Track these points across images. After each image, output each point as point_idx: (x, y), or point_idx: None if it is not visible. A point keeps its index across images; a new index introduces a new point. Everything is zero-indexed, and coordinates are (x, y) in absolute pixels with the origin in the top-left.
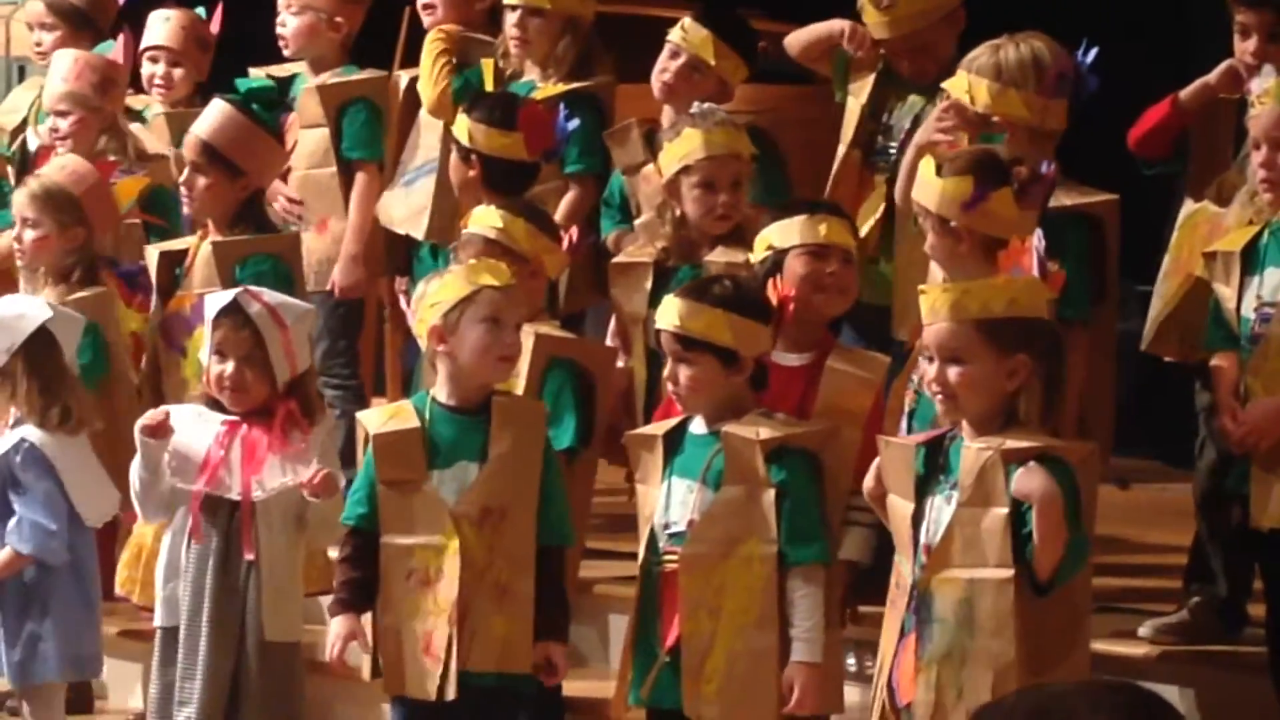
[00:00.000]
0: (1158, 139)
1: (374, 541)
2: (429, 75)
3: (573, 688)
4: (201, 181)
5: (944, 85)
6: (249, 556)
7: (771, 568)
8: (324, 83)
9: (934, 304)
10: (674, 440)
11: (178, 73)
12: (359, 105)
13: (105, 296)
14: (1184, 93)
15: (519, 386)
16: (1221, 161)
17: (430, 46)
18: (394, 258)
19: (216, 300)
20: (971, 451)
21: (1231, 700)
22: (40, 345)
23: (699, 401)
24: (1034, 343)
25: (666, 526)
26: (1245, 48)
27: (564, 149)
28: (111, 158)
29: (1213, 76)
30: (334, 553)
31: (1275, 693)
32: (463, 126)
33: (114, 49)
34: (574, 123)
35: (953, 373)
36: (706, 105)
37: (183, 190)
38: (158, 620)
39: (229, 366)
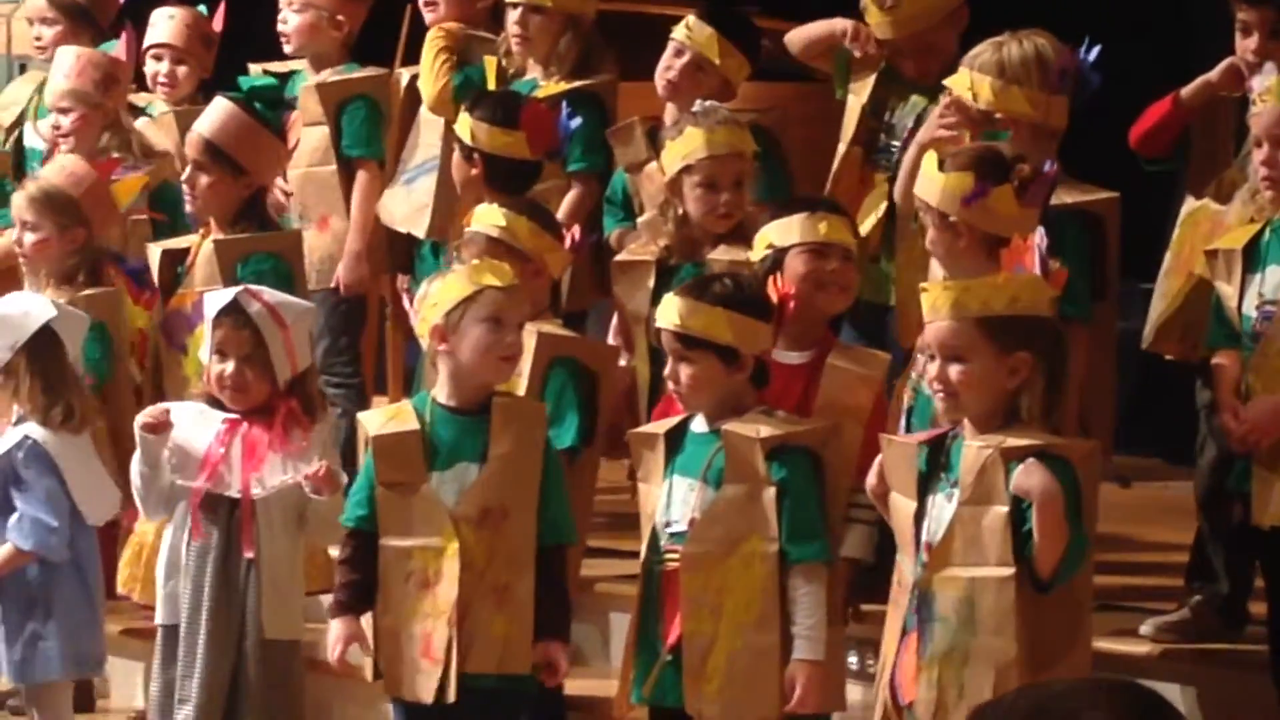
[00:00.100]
0: (1159, 137)
1: (374, 543)
2: (429, 72)
3: (574, 686)
4: (204, 179)
5: (946, 82)
6: (249, 554)
7: (773, 566)
8: (323, 81)
9: (935, 302)
10: (675, 439)
11: (181, 70)
12: (358, 103)
13: (113, 295)
14: (1185, 90)
15: (521, 386)
16: (1222, 159)
17: (430, 44)
18: (396, 256)
19: (216, 300)
20: (972, 450)
21: (1233, 698)
22: (44, 343)
23: (700, 400)
24: (1035, 341)
25: (668, 525)
26: (1246, 45)
27: (566, 147)
28: (115, 155)
29: (1214, 74)
30: (334, 553)
31: (1277, 690)
32: (465, 125)
33: (117, 46)
34: (576, 121)
35: (954, 371)
36: (709, 103)
37: (185, 188)
38: (158, 618)
39: (229, 366)
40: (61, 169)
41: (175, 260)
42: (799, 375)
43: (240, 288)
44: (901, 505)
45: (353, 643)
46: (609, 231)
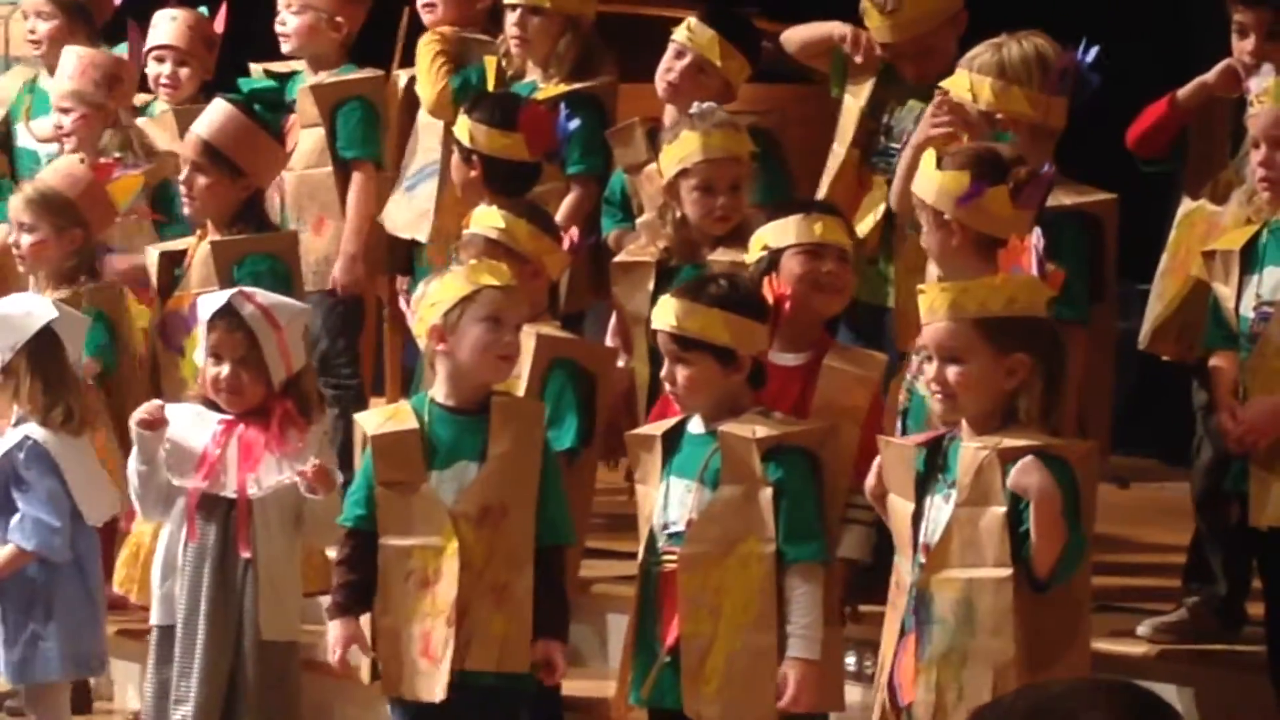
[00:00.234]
0: (1155, 138)
1: (372, 543)
2: (427, 76)
3: (571, 687)
4: (201, 181)
5: (944, 84)
6: (245, 554)
7: (770, 566)
8: (319, 82)
9: (932, 303)
10: (672, 440)
11: (184, 72)
12: (353, 104)
13: (115, 287)
14: (1182, 92)
15: (520, 387)
16: (1219, 160)
17: (426, 48)
18: (395, 257)
19: (210, 302)
20: (969, 451)
21: (1230, 699)
22: (45, 344)
23: (697, 401)
24: (1033, 342)
25: (665, 526)
26: (1243, 47)
27: (565, 149)
28: (115, 154)
29: (1211, 76)
30: (332, 553)
31: (1274, 691)
32: (464, 127)
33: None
34: (575, 123)
35: (951, 372)
36: (707, 105)
37: (182, 189)
38: (154, 619)
39: (224, 369)
40: (58, 170)
41: (173, 262)
42: (795, 377)
43: (233, 290)
44: (899, 507)
45: (352, 643)
46: (607, 232)
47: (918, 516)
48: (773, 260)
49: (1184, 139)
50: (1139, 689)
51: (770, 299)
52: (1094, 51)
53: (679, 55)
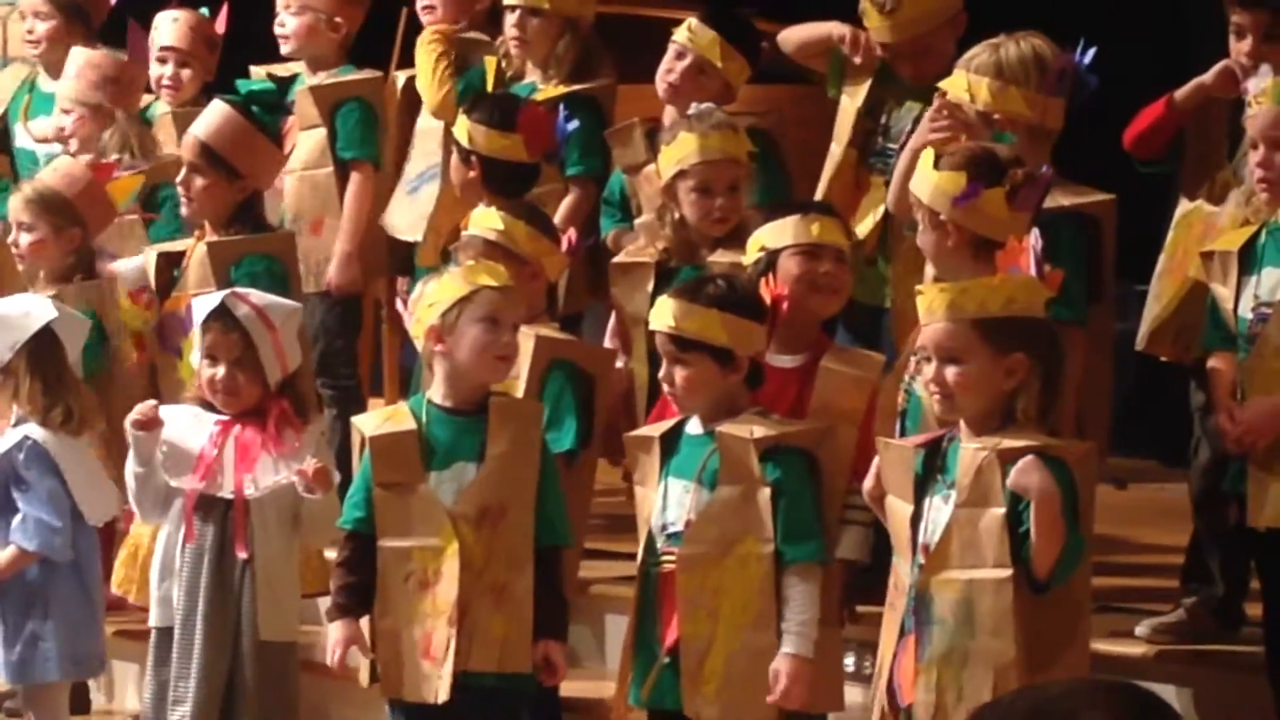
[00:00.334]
0: (1152, 138)
1: (371, 545)
2: (431, 79)
3: (570, 688)
4: (199, 182)
5: (942, 85)
6: (242, 555)
7: (768, 567)
8: (318, 84)
9: (931, 303)
10: (670, 441)
11: (186, 73)
12: (352, 105)
13: (103, 286)
14: (1179, 93)
15: (519, 388)
16: (1216, 161)
17: (428, 49)
18: (395, 258)
19: (204, 304)
20: (968, 452)
21: (1228, 699)
22: (44, 344)
23: (695, 402)
24: (1031, 342)
25: (664, 527)
26: (1240, 48)
27: (564, 151)
28: (114, 156)
29: (1208, 77)
30: (330, 555)
31: (1272, 691)
32: (463, 128)
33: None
34: (573, 124)
35: (950, 373)
36: (705, 106)
37: (180, 190)
38: (152, 620)
39: (220, 370)
40: (57, 170)
41: (172, 263)
42: (793, 379)
43: (227, 291)
44: (898, 508)
45: (352, 645)
46: (606, 232)
47: (916, 518)
48: (770, 261)
49: (1181, 140)
50: (1138, 689)
51: (767, 300)
52: (1091, 52)
53: (679, 56)
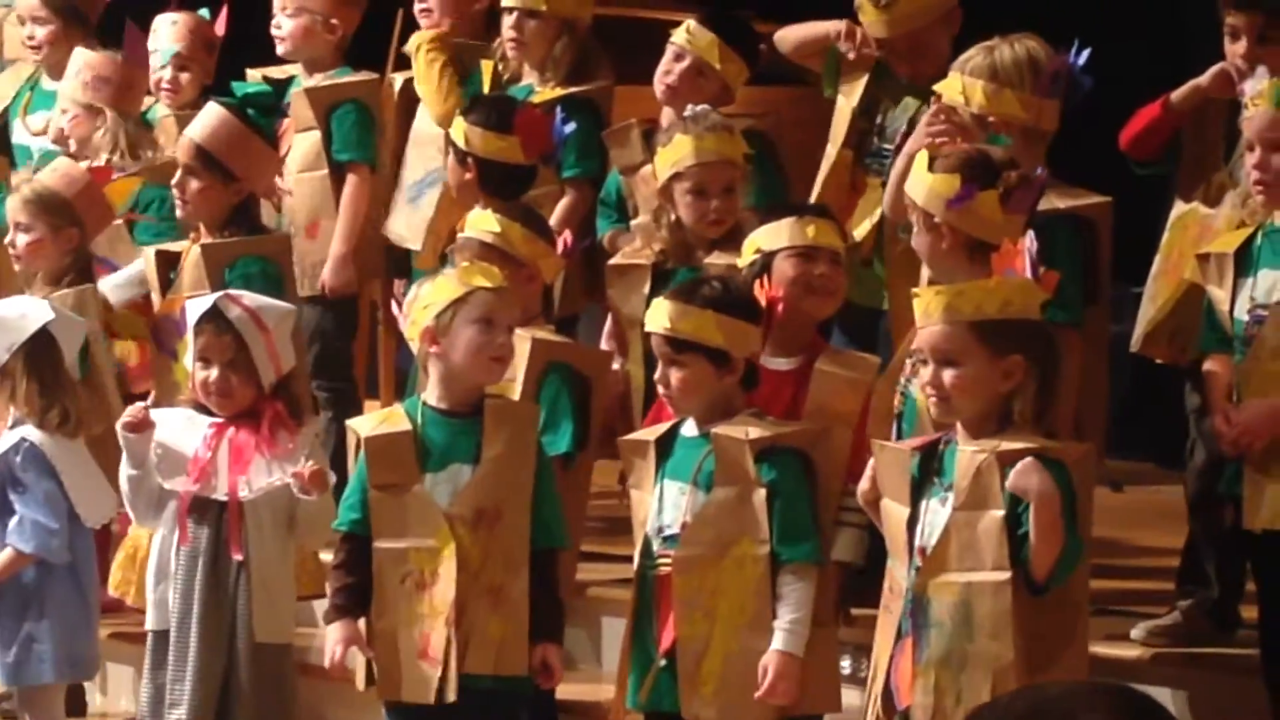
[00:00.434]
0: (1148, 140)
1: (367, 546)
2: (436, 88)
3: (566, 690)
4: (194, 184)
5: (937, 88)
6: (237, 557)
7: (764, 568)
8: (314, 85)
9: (927, 306)
10: (665, 444)
11: (185, 77)
12: (347, 107)
13: (86, 293)
14: (1175, 94)
15: (515, 391)
16: (1213, 163)
17: (428, 58)
18: (392, 261)
19: (197, 306)
20: (966, 454)
21: (1224, 702)
22: (41, 346)
23: (691, 403)
24: (1028, 344)
25: (660, 530)
26: (1235, 50)
27: (561, 153)
28: (103, 156)
29: (1204, 79)
30: (326, 557)
31: (1269, 694)
32: (459, 130)
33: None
34: (570, 126)
35: (947, 375)
36: (701, 108)
37: (175, 192)
38: (148, 623)
39: (213, 373)
40: (55, 170)
41: (170, 264)
42: (788, 381)
43: (220, 293)
44: (894, 511)
45: (352, 645)
46: (602, 233)
47: (912, 520)
48: (765, 263)
49: (1178, 142)
50: (1136, 692)
51: (762, 301)
52: (1086, 54)
53: (678, 58)
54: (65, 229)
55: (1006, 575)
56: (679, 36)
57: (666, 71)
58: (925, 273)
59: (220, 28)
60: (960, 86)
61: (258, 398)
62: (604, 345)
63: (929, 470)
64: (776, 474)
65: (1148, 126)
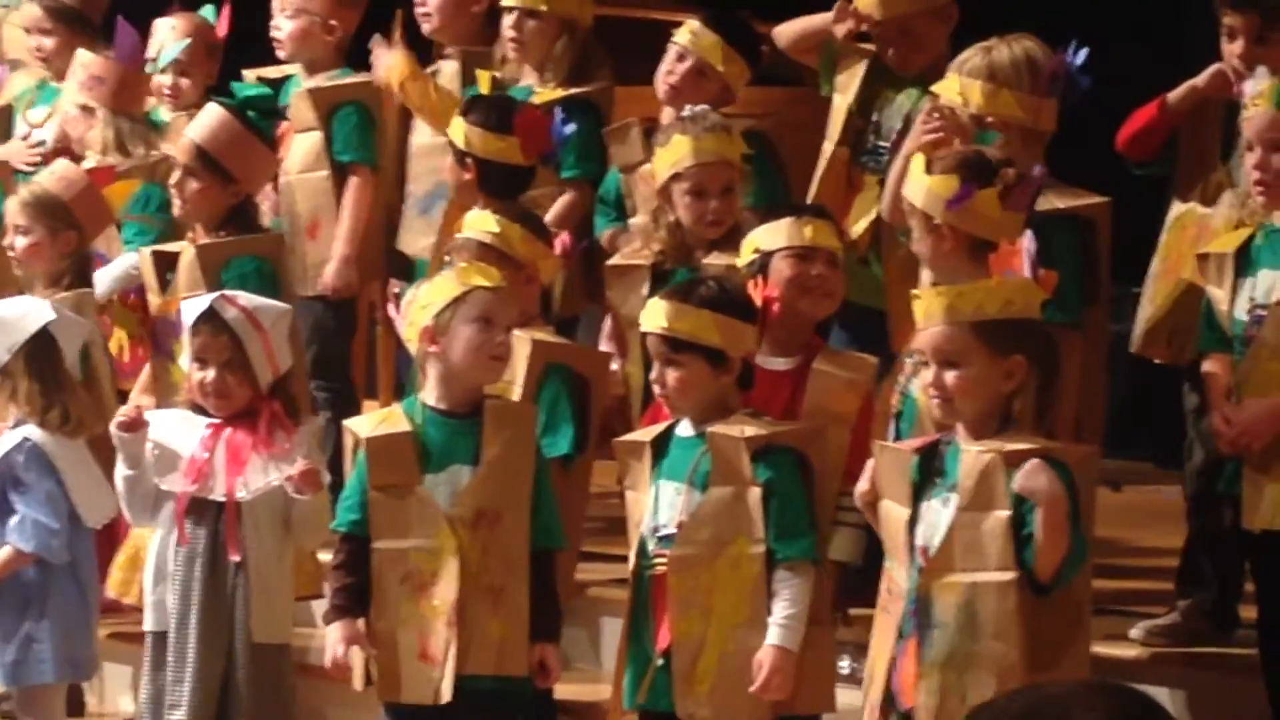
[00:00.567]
0: (1145, 141)
1: (366, 547)
2: (434, 102)
3: (565, 690)
4: (193, 185)
5: (934, 89)
6: (235, 558)
7: (760, 567)
8: (315, 86)
9: (929, 307)
10: (661, 444)
11: (185, 82)
12: (349, 108)
13: (85, 296)
14: (1172, 95)
15: (515, 393)
16: (1210, 163)
17: (413, 87)
18: (393, 261)
19: (193, 307)
20: (971, 455)
21: (1223, 702)
22: (42, 346)
23: (687, 403)
24: (1029, 344)
25: (656, 530)
26: (1232, 50)
27: (560, 153)
28: (94, 155)
29: (1201, 79)
30: (324, 557)
31: (1268, 694)
32: (459, 130)
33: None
34: (570, 127)
35: (950, 376)
36: (699, 108)
37: (173, 192)
38: (146, 625)
39: (210, 373)
40: (53, 173)
41: (168, 265)
42: (785, 382)
43: (216, 294)
44: (894, 512)
45: (353, 644)
46: (600, 231)
47: (913, 521)
48: (763, 263)
49: (1175, 142)
50: (1135, 692)
51: (757, 301)
52: (1083, 53)
53: (680, 58)
54: (64, 232)
55: (1011, 575)
56: (681, 37)
57: (669, 72)
58: (925, 275)
59: (222, 29)
60: (958, 87)
61: (255, 398)
62: (603, 346)
63: (930, 471)
64: (772, 473)
65: (1144, 127)
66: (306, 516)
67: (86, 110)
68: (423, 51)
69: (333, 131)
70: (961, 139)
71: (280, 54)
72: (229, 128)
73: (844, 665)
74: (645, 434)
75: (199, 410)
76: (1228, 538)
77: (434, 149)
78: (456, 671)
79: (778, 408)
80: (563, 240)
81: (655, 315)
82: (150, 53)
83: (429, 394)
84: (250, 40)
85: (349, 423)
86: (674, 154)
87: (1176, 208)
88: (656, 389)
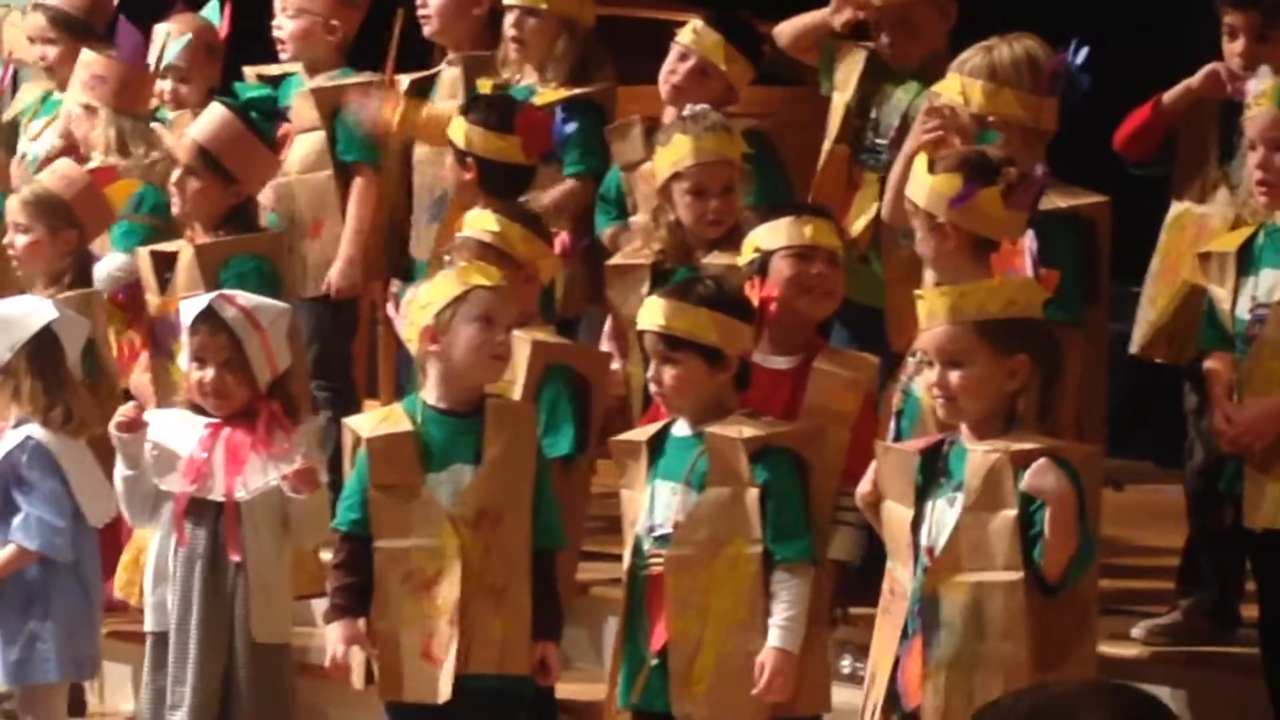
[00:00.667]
0: (1142, 141)
1: (367, 546)
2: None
3: (567, 690)
4: (194, 184)
5: (935, 89)
6: (235, 558)
7: (757, 567)
8: (319, 86)
9: (932, 308)
10: (657, 444)
11: (185, 89)
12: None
13: (91, 295)
14: (1167, 95)
15: (516, 393)
16: (1207, 163)
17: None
18: (393, 263)
19: (191, 307)
20: (978, 454)
21: (1223, 702)
22: (44, 345)
23: (684, 401)
24: (1033, 343)
25: (652, 530)
26: (1233, 49)
27: (561, 153)
28: (96, 155)
29: (1195, 79)
30: (326, 556)
31: (1269, 693)
32: (459, 129)
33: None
34: (571, 126)
35: (954, 376)
36: (700, 107)
37: (172, 191)
38: (147, 626)
39: (209, 373)
40: (54, 172)
41: (165, 264)
42: (785, 380)
43: (214, 293)
44: (898, 513)
45: (353, 644)
46: (602, 229)
47: (917, 522)
48: (763, 262)
49: (1172, 142)
50: (1138, 691)
51: (754, 300)
52: (1084, 52)
53: (683, 58)
54: (64, 230)
55: (1018, 575)
56: (684, 36)
57: (671, 71)
58: (928, 275)
59: (223, 30)
60: (959, 87)
61: (254, 397)
62: (604, 346)
63: (934, 471)
64: (770, 474)
65: (1140, 127)
66: (304, 516)
67: (89, 110)
68: (423, 53)
69: (337, 131)
70: (961, 139)
71: (282, 55)
72: (231, 128)
73: (845, 665)
74: (641, 433)
75: (198, 410)
76: (1228, 537)
77: (437, 157)
78: (459, 671)
79: (778, 406)
80: (562, 239)
81: (653, 313)
82: (151, 58)
83: (430, 393)
84: (251, 40)
85: (349, 421)
86: (674, 153)
87: (1175, 208)
88: (653, 387)
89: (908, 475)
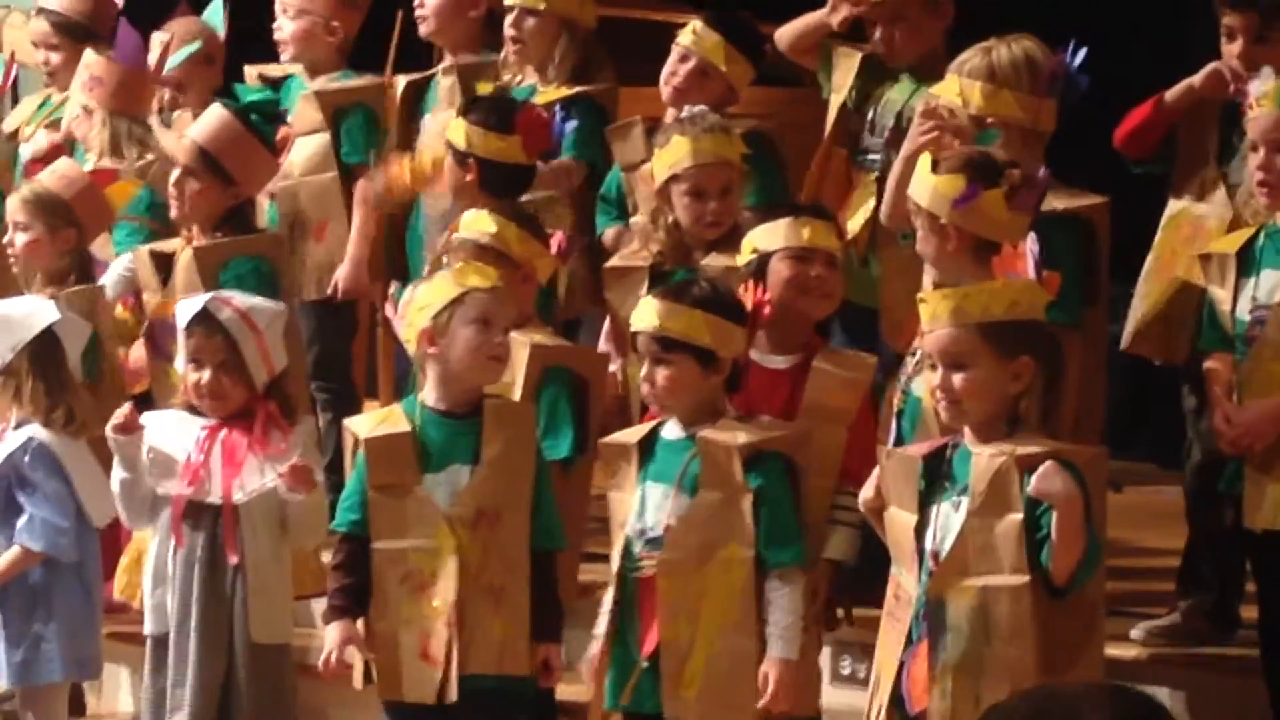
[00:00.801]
0: (1142, 139)
1: (366, 547)
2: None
3: (566, 691)
4: (193, 185)
5: (933, 90)
6: (234, 560)
7: (749, 571)
8: (322, 88)
9: (934, 310)
10: (646, 446)
11: (183, 98)
12: (358, 111)
13: (95, 292)
14: (1168, 94)
15: (515, 395)
16: (1206, 163)
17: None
18: (394, 263)
19: (187, 308)
20: (983, 458)
21: (1223, 703)
22: (46, 346)
23: (676, 403)
24: (1035, 345)
25: (642, 532)
26: (1231, 50)
27: (561, 152)
28: (92, 156)
29: (1197, 79)
30: (326, 557)
31: (1269, 694)
32: (459, 130)
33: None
34: (571, 124)
35: (957, 379)
36: (698, 109)
37: (171, 191)
38: (147, 628)
39: (205, 374)
40: (54, 171)
41: (164, 264)
42: (784, 380)
43: (209, 295)
44: (901, 518)
45: (350, 645)
46: (602, 229)
47: (921, 526)
48: (761, 263)
49: (1172, 141)
50: (1140, 693)
51: (748, 304)
52: (1082, 53)
53: (683, 59)
54: (63, 230)
55: (1025, 579)
56: (685, 38)
57: (672, 72)
58: (929, 277)
59: (223, 32)
60: (958, 88)
61: (250, 398)
62: (603, 347)
63: (937, 475)
64: (763, 480)
65: (1141, 125)
66: (302, 516)
67: (88, 111)
68: (421, 54)
69: (341, 134)
70: (960, 140)
71: (283, 56)
72: (231, 130)
73: (845, 666)
74: (630, 434)
75: (195, 411)
76: (1228, 538)
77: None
78: (458, 671)
79: (777, 406)
80: (558, 239)
81: (646, 314)
82: (150, 63)
83: (428, 394)
84: (251, 40)
85: (348, 422)
86: (673, 155)
87: (1172, 207)
88: (645, 388)
89: (911, 480)
